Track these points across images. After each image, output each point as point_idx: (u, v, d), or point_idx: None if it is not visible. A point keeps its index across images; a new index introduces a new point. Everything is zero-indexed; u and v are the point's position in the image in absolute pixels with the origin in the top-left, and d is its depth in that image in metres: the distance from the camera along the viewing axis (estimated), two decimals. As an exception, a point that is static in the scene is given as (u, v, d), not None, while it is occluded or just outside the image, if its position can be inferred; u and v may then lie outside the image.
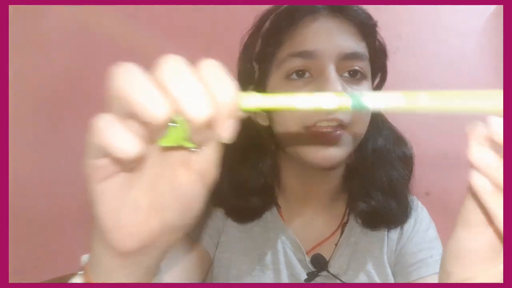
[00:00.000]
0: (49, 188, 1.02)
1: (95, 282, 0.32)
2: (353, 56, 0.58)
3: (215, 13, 1.04)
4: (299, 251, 0.66)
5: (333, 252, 0.67)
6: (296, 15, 0.60)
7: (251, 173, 0.65)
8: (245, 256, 0.66)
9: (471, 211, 0.33)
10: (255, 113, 0.65)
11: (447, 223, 0.80)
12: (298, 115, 0.57)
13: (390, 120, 0.71)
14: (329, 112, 0.56)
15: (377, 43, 0.64)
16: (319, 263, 0.66)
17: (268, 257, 0.66)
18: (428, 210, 0.73)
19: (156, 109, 0.25)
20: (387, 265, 0.67)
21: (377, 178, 0.66)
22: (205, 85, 0.26)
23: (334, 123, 0.57)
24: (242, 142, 0.65)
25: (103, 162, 0.27)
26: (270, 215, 0.68)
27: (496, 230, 0.32)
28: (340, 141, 0.58)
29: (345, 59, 0.58)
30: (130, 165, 0.29)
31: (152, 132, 0.27)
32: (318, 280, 0.65)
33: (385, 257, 0.67)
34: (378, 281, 0.66)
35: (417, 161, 0.71)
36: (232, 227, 0.67)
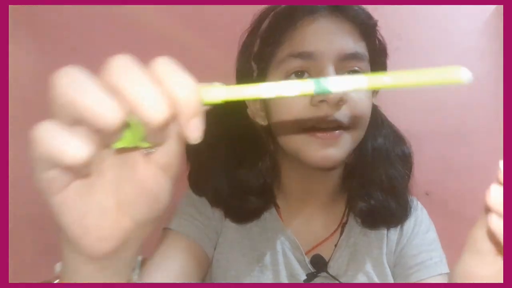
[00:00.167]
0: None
1: None
2: (352, 56, 0.58)
3: (214, 13, 1.04)
4: (298, 252, 0.66)
5: (332, 253, 0.66)
6: (296, 15, 0.59)
7: (250, 173, 0.65)
8: (244, 257, 0.66)
9: (483, 241, 0.33)
10: (253, 112, 0.65)
11: (447, 223, 0.81)
12: (298, 116, 0.57)
13: (390, 119, 0.71)
14: (328, 114, 0.56)
15: (377, 42, 0.64)
16: (318, 264, 0.66)
17: (267, 258, 0.66)
18: (428, 210, 0.73)
19: (107, 114, 0.23)
20: (386, 265, 0.67)
21: (377, 177, 0.66)
22: (160, 83, 0.25)
23: (333, 125, 0.57)
24: (241, 142, 0.66)
25: (54, 173, 0.25)
26: (269, 215, 0.68)
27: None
28: (339, 141, 0.58)
29: (344, 59, 0.58)
30: (83, 171, 0.27)
31: (105, 137, 0.25)
32: (317, 280, 0.65)
33: (385, 257, 0.67)
34: (377, 281, 0.66)
35: (417, 161, 0.71)
36: (230, 227, 0.67)
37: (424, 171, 0.76)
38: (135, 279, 0.35)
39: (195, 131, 0.26)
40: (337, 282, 0.65)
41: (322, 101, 0.56)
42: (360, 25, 0.61)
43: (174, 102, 0.25)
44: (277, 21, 0.62)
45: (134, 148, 0.28)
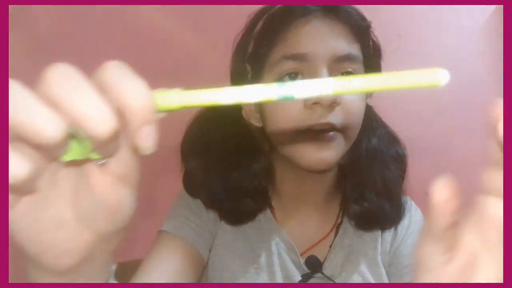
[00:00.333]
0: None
1: None
2: (346, 58, 0.58)
3: (213, 13, 1.04)
4: (293, 253, 0.66)
5: (327, 254, 0.66)
6: (289, 17, 0.59)
7: (244, 175, 0.65)
8: (239, 259, 0.66)
9: (432, 256, 0.31)
10: (247, 113, 0.64)
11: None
12: (291, 118, 0.57)
13: (384, 119, 0.71)
14: (321, 117, 0.56)
15: (371, 44, 0.64)
16: (313, 265, 0.65)
17: (262, 259, 0.66)
18: (427, 210, 0.72)
19: (45, 128, 0.21)
20: (381, 265, 0.67)
21: (371, 179, 0.66)
22: (106, 92, 0.23)
23: (327, 127, 0.57)
24: (236, 143, 0.66)
25: None
26: (264, 217, 0.68)
27: (459, 262, 0.30)
28: (333, 144, 0.58)
29: (338, 61, 0.58)
30: (28, 188, 0.25)
31: (48, 151, 0.23)
32: (312, 281, 0.65)
33: (379, 257, 0.67)
34: (372, 281, 0.66)
35: (416, 161, 0.70)
36: (225, 229, 0.67)
37: (424, 171, 0.76)
38: None
39: (146, 141, 0.24)
40: (332, 282, 0.65)
41: (315, 103, 0.56)
42: (354, 26, 0.60)
43: (122, 111, 0.23)
44: (271, 22, 0.62)
45: (86, 160, 0.26)
